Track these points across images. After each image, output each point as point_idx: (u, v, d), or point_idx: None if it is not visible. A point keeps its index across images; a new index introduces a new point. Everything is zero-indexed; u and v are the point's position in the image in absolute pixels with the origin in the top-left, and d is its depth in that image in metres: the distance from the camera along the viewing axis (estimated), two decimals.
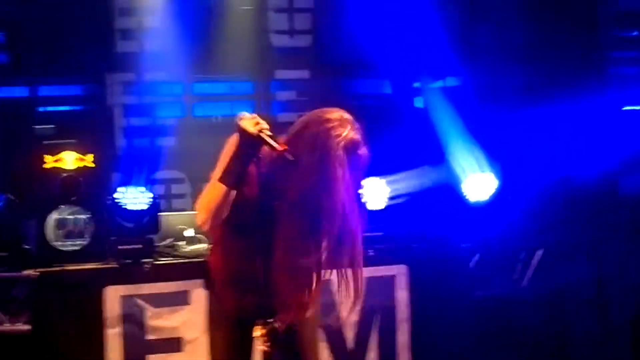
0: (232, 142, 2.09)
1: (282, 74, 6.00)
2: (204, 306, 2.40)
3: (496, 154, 4.57)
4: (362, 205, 2.09)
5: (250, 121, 2.01)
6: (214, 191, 2.03)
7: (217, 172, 2.07)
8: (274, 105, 6.03)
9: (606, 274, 3.95)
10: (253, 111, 5.97)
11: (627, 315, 3.95)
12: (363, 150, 2.02)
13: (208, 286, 2.29)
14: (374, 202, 4.22)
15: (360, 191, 3.50)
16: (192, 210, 5.17)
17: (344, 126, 1.99)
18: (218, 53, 5.77)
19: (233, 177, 2.01)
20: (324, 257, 2.09)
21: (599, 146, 4.47)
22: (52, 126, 5.44)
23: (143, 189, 4.13)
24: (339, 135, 1.96)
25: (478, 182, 4.36)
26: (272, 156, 2.06)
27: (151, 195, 4.12)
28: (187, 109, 5.98)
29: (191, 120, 5.94)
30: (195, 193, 5.91)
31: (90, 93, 5.76)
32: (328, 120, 1.99)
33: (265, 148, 2.04)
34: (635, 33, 5.09)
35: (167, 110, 5.93)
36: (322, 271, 2.12)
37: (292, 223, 2.02)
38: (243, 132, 2.00)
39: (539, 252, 4.15)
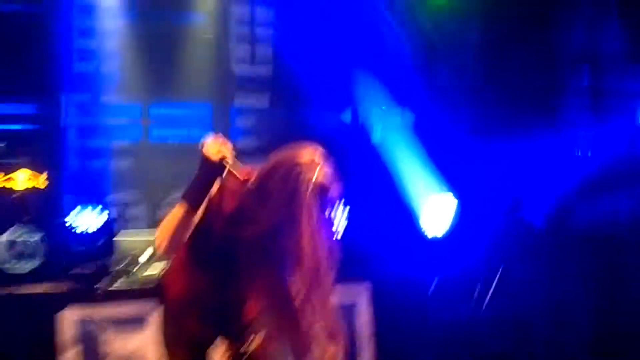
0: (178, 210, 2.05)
1: (242, 100, 6.03)
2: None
3: (453, 186, 4.70)
4: (333, 244, 2.09)
5: (213, 148, 2.02)
6: (174, 215, 2.02)
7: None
8: (233, 130, 6.05)
9: (564, 297, 4.09)
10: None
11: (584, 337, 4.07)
12: (333, 190, 2.01)
13: (164, 308, 2.26)
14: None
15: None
16: (148, 234, 5.13)
17: (313, 170, 1.97)
18: (178, 77, 5.78)
19: (194, 198, 2.01)
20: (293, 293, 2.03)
21: (551, 183, 4.65)
22: (3, 144, 5.29)
23: (97, 210, 4.04)
24: (309, 180, 1.95)
25: (435, 214, 4.47)
26: (240, 189, 2.05)
27: (105, 217, 4.04)
28: (144, 132, 5.92)
29: (148, 143, 5.89)
30: (151, 216, 5.85)
31: (45, 112, 5.63)
32: (298, 165, 1.98)
33: (231, 179, 2.05)
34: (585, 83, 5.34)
35: (124, 133, 5.86)
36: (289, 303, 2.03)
37: (256, 257, 2.01)
38: (205, 159, 2.01)
39: (497, 277, 4.26)
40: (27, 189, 4.01)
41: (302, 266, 1.95)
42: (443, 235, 4.36)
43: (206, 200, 2.07)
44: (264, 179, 2.02)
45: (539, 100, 4.96)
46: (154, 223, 5.81)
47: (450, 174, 4.86)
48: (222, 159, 1.99)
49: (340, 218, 2.13)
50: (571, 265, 4.29)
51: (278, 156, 2.06)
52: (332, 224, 2.06)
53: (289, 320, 2.00)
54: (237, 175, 2.01)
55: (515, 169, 4.72)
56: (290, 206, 1.95)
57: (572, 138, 5.11)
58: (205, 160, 2.00)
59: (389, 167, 5.55)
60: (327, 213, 2.01)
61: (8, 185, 3.96)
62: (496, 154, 4.84)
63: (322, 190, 1.98)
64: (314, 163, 2.00)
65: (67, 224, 3.89)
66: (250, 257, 2.02)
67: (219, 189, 2.09)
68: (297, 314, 1.97)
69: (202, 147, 2.01)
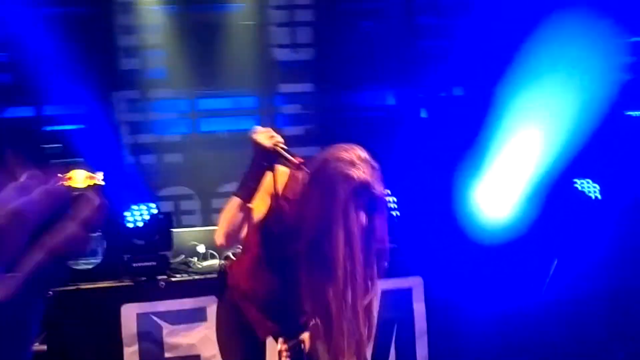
0: (232, 204, 2.06)
1: (285, 87, 6.02)
2: None
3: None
4: (383, 251, 2.03)
5: (265, 134, 2.00)
6: (230, 208, 2.03)
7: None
8: (278, 118, 6.05)
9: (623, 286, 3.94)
10: (258, 125, 5.98)
11: None
12: (377, 191, 1.93)
13: (227, 298, 2.27)
14: None
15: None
16: (203, 226, 5.20)
17: (355, 166, 1.90)
18: (221, 69, 5.80)
19: (247, 190, 2.00)
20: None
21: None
22: (59, 145, 5.44)
23: (153, 205, 4.11)
24: (347, 176, 1.88)
25: (491, 195, 4.37)
26: (300, 195, 2.03)
27: (161, 212, 4.11)
28: (193, 125, 5.99)
29: (197, 136, 5.95)
30: (204, 209, 5.95)
31: (96, 111, 5.76)
32: (339, 159, 1.92)
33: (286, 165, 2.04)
34: None
35: (173, 127, 5.95)
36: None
37: (307, 263, 2.00)
38: (258, 146, 1.99)
39: (555, 264, 4.13)
40: (86, 187, 4.09)
41: (337, 269, 1.91)
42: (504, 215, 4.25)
43: (270, 195, 2.07)
44: (311, 177, 1.99)
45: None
46: (207, 215, 5.90)
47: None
48: (276, 144, 1.97)
49: (386, 219, 2.07)
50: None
51: (323, 153, 2.02)
52: (381, 228, 2.02)
53: (326, 322, 1.98)
54: (293, 160, 1.98)
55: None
56: (325, 204, 1.90)
57: None
58: (259, 148, 1.98)
59: (436, 149, 5.46)
60: (368, 213, 1.94)
61: (68, 184, 4.05)
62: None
63: (362, 187, 1.90)
64: (355, 160, 1.93)
65: (125, 220, 3.97)
66: (304, 255, 2.01)
67: (280, 183, 2.08)
68: (333, 317, 1.94)
69: (253, 136, 1.99)
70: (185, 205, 5.70)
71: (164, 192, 5.60)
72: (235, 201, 2.02)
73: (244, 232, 2.07)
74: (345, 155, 1.95)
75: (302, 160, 2.03)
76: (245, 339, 2.24)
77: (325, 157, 1.99)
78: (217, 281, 2.38)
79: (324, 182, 1.93)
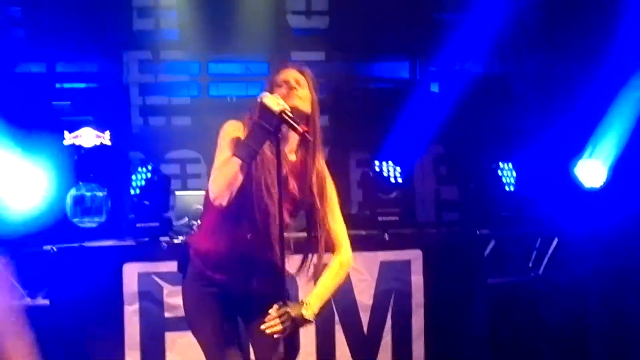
0: (228, 127, 2.11)
1: (298, 55, 5.96)
2: None
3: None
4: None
5: (273, 99, 2.01)
6: (227, 167, 2.01)
7: (224, 151, 2.08)
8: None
9: (624, 267, 3.93)
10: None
11: None
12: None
13: (191, 270, 2.24)
14: None
15: None
16: (198, 191, 5.22)
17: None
18: (234, 33, 5.75)
19: (249, 152, 2.00)
20: None
21: None
22: (68, 102, 5.46)
23: (157, 167, 4.14)
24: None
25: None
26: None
27: (168, 174, 4.14)
28: (203, 89, 5.97)
29: (206, 100, 5.94)
30: (210, 172, 5.96)
31: (107, 70, 5.76)
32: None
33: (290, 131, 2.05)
34: None
35: (183, 90, 5.94)
36: None
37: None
38: (265, 109, 1.99)
39: (554, 241, 4.14)
40: (93, 146, 4.13)
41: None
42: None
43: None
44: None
45: None
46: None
47: None
48: (283, 111, 1.99)
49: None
50: None
51: None
52: None
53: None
54: (296, 127, 2.00)
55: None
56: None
57: None
58: (266, 111, 1.99)
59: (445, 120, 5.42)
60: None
61: (76, 142, 4.09)
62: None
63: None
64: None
65: (130, 181, 4.00)
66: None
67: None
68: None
69: (261, 99, 2.01)
70: (191, 168, 5.72)
71: (170, 155, 5.62)
72: (236, 161, 2.01)
73: (235, 190, 2.03)
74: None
75: (306, 129, 2.03)
76: (213, 312, 2.21)
77: None
78: (180, 256, 2.31)
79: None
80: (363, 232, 3.85)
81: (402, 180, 4.32)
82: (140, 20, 5.71)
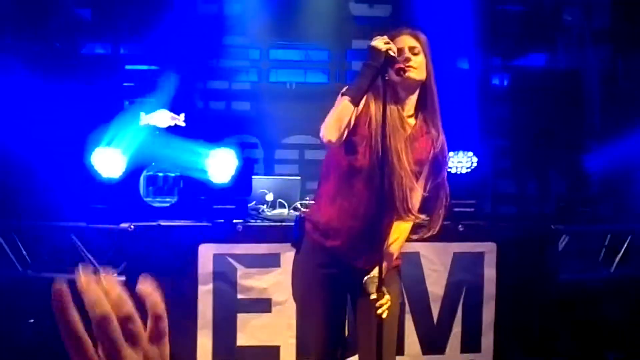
0: (342, 103, 2.12)
1: (359, 43, 5.94)
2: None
3: None
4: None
5: (381, 40, 2.07)
6: (337, 106, 2.09)
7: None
8: (349, 74, 6.00)
9: None
10: (328, 79, 5.95)
11: None
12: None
13: (308, 238, 2.27)
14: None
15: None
16: (270, 175, 5.25)
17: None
18: (296, 20, 5.76)
19: (357, 92, 2.07)
20: None
21: None
22: (133, 84, 5.53)
23: (233, 151, 4.17)
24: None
25: None
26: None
27: (242, 158, 4.17)
28: (263, 75, 5.99)
29: (266, 85, 5.96)
30: (267, 158, 6.00)
31: (168, 53, 5.80)
32: None
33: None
34: None
35: (244, 75, 5.97)
36: None
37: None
38: (373, 50, 2.05)
39: (628, 239, 4.06)
40: (167, 127, 4.18)
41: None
42: None
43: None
44: None
45: None
46: (269, 165, 5.96)
47: None
48: (389, 49, 2.05)
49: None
50: None
51: None
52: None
53: None
54: (400, 64, 2.05)
55: None
56: None
57: None
58: (373, 51, 2.05)
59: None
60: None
61: (152, 123, 4.14)
62: None
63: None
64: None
65: (204, 163, 4.04)
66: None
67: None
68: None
69: (371, 43, 2.08)
70: (249, 153, 5.76)
71: (232, 140, 5.66)
72: (345, 100, 2.08)
73: (344, 130, 2.10)
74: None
75: (402, 66, 2.06)
76: (326, 289, 2.23)
77: None
78: (294, 229, 2.38)
79: None
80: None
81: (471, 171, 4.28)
82: (205, 5, 5.75)
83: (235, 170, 4.25)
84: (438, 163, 2.25)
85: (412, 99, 2.19)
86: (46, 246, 3.79)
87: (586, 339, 3.94)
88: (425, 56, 2.18)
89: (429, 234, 2.25)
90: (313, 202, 2.67)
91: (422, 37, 2.21)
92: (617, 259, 4.05)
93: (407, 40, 2.17)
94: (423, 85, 2.19)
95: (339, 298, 2.29)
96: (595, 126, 4.85)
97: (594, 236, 4.21)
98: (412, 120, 2.22)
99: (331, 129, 2.08)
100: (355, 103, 2.07)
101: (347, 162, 2.18)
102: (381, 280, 2.12)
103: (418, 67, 2.15)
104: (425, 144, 2.22)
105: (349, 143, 2.16)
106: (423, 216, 2.23)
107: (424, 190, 2.24)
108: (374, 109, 2.14)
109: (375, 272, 2.17)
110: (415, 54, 2.15)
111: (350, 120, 2.09)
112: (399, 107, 2.18)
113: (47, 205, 4.13)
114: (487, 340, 3.79)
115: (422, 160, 2.21)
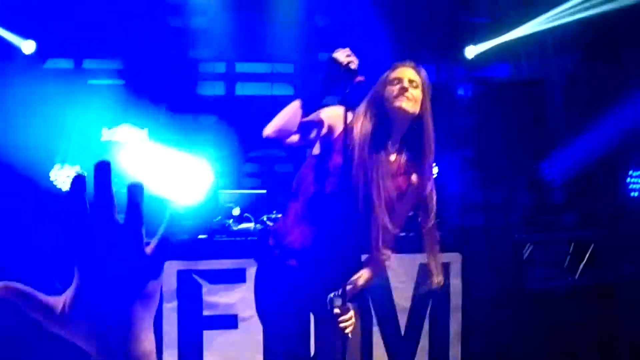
0: (292, 104, 2.13)
1: (325, 56, 5.94)
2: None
3: None
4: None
5: (342, 53, 2.06)
6: (289, 107, 2.10)
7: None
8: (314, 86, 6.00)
9: None
10: (294, 92, 5.93)
11: None
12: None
13: (268, 256, 2.24)
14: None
15: None
16: (238, 189, 5.21)
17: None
18: (262, 33, 5.75)
19: (311, 99, 2.09)
20: None
21: None
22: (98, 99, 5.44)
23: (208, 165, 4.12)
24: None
25: None
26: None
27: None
28: (229, 87, 5.97)
29: (233, 98, 5.94)
30: (237, 170, 5.96)
31: (132, 67, 5.74)
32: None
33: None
34: None
35: (209, 89, 5.93)
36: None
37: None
38: (332, 60, 2.06)
39: (591, 247, 4.12)
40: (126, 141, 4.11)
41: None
42: None
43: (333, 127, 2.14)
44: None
45: None
46: (238, 179, 5.91)
47: None
48: (349, 62, 2.04)
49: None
50: None
51: None
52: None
53: None
54: (358, 77, 2.05)
55: None
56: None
57: None
58: (333, 62, 2.06)
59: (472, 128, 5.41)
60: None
61: (114, 138, 4.08)
62: None
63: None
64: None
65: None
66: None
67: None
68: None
69: (333, 55, 2.08)
70: (218, 166, 5.70)
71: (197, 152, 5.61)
72: (296, 102, 2.10)
73: (291, 136, 2.11)
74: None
75: (361, 79, 2.06)
76: (289, 304, 2.21)
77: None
78: (258, 242, 2.36)
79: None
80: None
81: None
82: (171, 19, 5.72)
83: (209, 186, 4.19)
84: (424, 204, 2.19)
85: (400, 133, 2.13)
86: None
87: (554, 345, 3.97)
88: (423, 93, 2.13)
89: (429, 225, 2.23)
90: (280, 216, 2.65)
91: (424, 74, 2.16)
92: (581, 266, 4.09)
93: (408, 72, 2.12)
94: (416, 122, 2.13)
95: (302, 314, 2.27)
96: (559, 135, 4.92)
97: (558, 244, 4.26)
98: (393, 157, 2.16)
99: (271, 124, 2.10)
100: (304, 108, 2.08)
101: (318, 188, 2.14)
102: (345, 296, 2.10)
103: (413, 100, 2.10)
104: (402, 183, 2.16)
105: (320, 169, 2.14)
106: (389, 252, 2.21)
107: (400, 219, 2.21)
108: (358, 136, 2.09)
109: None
110: (414, 87, 2.10)
111: (294, 122, 2.09)
112: (387, 140, 2.13)
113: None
114: (455, 351, 3.79)
115: (394, 198, 2.14)
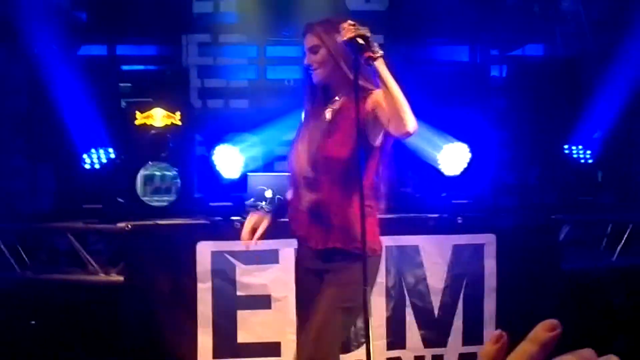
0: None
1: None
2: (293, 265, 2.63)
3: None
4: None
5: (348, 27, 2.06)
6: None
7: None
8: None
9: None
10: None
11: None
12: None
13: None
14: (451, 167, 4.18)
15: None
16: (269, 172, 5.23)
17: None
18: (292, 16, 5.72)
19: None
20: None
21: None
22: (129, 85, 5.52)
23: (236, 149, 4.16)
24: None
25: None
26: None
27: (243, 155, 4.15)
28: (260, 72, 5.96)
29: (264, 82, 5.93)
30: (267, 155, 5.96)
31: (166, 53, 5.79)
32: None
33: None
34: None
35: (241, 73, 5.94)
36: None
37: None
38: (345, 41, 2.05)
39: (629, 228, 4.02)
40: (165, 126, 4.16)
41: None
42: None
43: None
44: None
45: None
46: (269, 163, 5.92)
47: None
48: (357, 36, 2.06)
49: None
50: None
51: None
52: None
53: None
54: (370, 54, 2.06)
55: None
56: None
57: None
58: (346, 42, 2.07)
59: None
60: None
61: (148, 122, 4.12)
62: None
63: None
64: None
65: (206, 161, 4.03)
66: None
67: None
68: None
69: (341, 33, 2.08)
70: (249, 151, 5.72)
71: (230, 137, 5.64)
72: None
73: None
74: None
75: (370, 55, 2.07)
76: (304, 281, 2.44)
77: None
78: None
79: None
80: (435, 215, 3.80)
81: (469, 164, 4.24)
82: (199, 3, 5.73)
83: (243, 166, 4.25)
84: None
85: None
86: (44, 248, 3.78)
87: (591, 327, 3.90)
88: (326, 47, 2.25)
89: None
90: None
91: (319, 27, 2.26)
92: (619, 247, 4.00)
93: (308, 40, 2.28)
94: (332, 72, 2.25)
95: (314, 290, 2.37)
96: (595, 115, 4.80)
97: (595, 225, 4.17)
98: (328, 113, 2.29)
99: (413, 117, 2.13)
100: None
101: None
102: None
103: (320, 63, 2.26)
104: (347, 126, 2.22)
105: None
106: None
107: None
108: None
109: None
110: (314, 53, 2.27)
111: None
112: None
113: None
114: (490, 332, 3.75)
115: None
